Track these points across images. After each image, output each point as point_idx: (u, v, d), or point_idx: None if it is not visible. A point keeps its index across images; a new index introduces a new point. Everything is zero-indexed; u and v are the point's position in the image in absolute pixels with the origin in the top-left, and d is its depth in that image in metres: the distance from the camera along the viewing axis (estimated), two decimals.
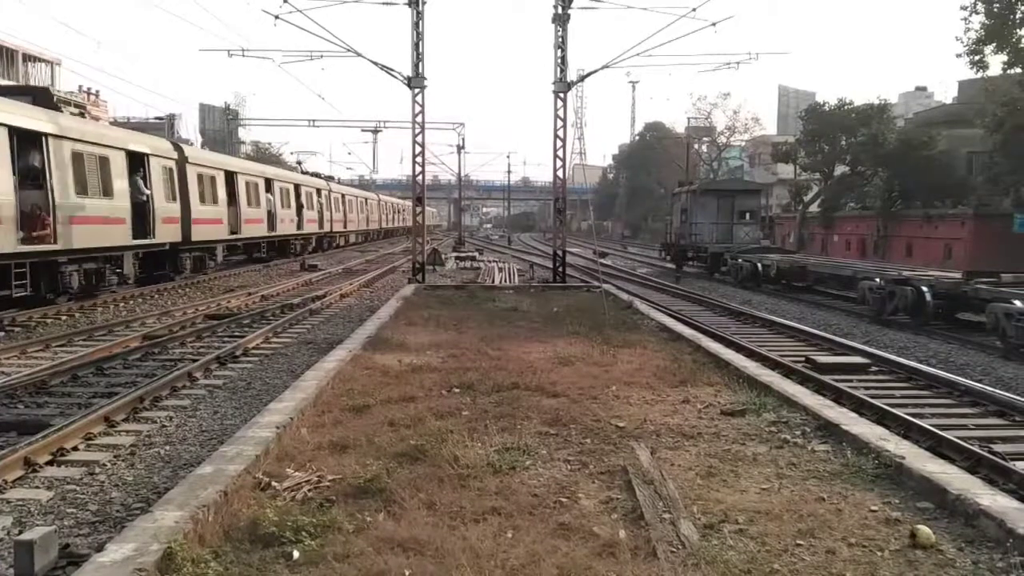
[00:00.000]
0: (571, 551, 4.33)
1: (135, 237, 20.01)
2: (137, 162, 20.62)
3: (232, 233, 28.30)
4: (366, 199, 58.84)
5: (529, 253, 47.25)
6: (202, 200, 25.09)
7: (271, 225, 32.96)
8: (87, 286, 18.20)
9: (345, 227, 49.33)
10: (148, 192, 20.93)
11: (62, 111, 18.32)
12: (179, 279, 23.64)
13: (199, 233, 24.52)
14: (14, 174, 15.07)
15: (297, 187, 38.05)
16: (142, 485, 6.45)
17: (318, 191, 42.30)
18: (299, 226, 37.77)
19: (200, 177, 25.21)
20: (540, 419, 7.08)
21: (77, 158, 17.36)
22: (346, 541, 4.41)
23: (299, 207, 37.63)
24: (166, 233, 22.00)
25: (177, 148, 24.80)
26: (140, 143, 21.34)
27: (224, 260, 29.01)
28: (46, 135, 16.21)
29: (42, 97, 18.38)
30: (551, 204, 28.18)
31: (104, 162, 18.60)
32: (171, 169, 22.82)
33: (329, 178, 50.28)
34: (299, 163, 58.54)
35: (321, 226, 42.53)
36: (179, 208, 23.13)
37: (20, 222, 15.18)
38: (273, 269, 30.75)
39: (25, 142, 15.72)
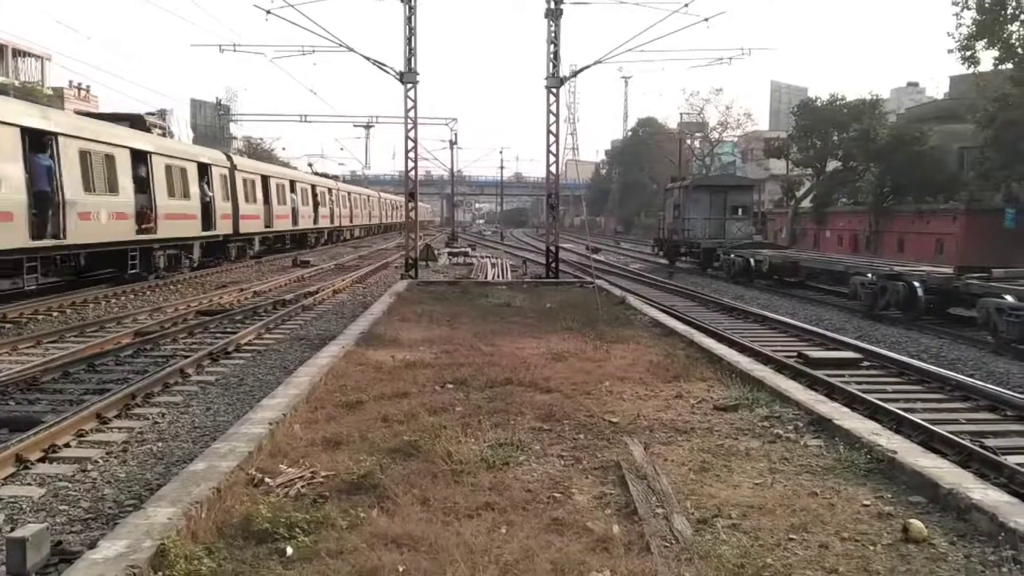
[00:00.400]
0: (565, 546, 4.33)
1: (203, 230, 25.76)
2: (203, 170, 26.25)
3: (266, 227, 33.82)
4: (368, 196, 62.77)
5: (522, 249, 47.24)
6: (246, 200, 30.56)
7: (294, 220, 38.48)
8: (168, 267, 23.55)
9: (352, 222, 54.07)
10: (211, 194, 26.49)
11: (151, 132, 23.60)
12: (225, 264, 28.83)
13: (244, 227, 30.17)
14: (133, 183, 20.65)
15: (313, 187, 43.16)
16: (135, 482, 6.43)
17: (329, 190, 46.92)
18: (315, 221, 42.74)
19: (244, 181, 30.74)
20: (533, 415, 7.08)
21: (168, 169, 22.96)
22: (340, 537, 4.41)
23: (315, 204, 42.76)
24: (223, 227, 27.73)
25: (228, 158, 30.46)
26: (206, 156, 27.43)
27: (259, 250, 33.50)
28: (150, 153, 21.82)
29: (138, 123, 23.30)
30: (544, 200, 28.12)
31: (184, 171, 24.27)
32: (225, 175, 28.46)
33: (335, 178, 55.13)
34: (310, 165, 64.48)
35: (332, 221, 46.99)
36: (231, 207, 28.73)
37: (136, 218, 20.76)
38: (265, 265, 30.65)
39: (136, 159, 21.01)
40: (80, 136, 18.20)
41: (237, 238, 29.75)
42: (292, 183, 38.75)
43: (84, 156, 18.16)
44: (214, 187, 26.76)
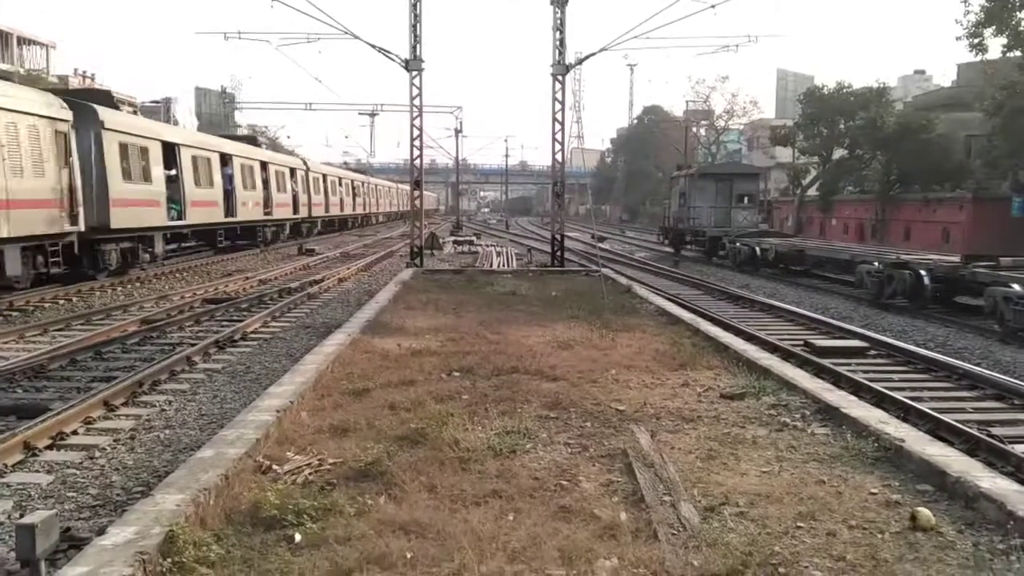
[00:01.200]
0: (572, 533, 4.34)
1: (292, 213, 36.77)
2: (292, 172, 36.99)
3: (325, 212, 43.75)
4: (388, 187, 70.36)
5: (527, 237, 47.18)
6: (315, 192, 40.98)
7: (342, 208, 47.99)
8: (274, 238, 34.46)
9: (378, 209, 63.73)
10: (297, 189, 37.10)
11: (260, 145, 36.62)
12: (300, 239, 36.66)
13: (314, 212, 40.59)
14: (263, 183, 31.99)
15: (343, 180, 50.42)
16: (142, 469, 6.46)
17: (360, 183, 55.04)
18: (340, 209, 48.63)
19: (313, 180, 40.81)
20: (540, 402, 7.08)
21: (279, 174, 35.01)
22: (347, 524, 4.42)
23: (349, 194, 50.78)
24: (303, 212, 38.50)
25: (305, 162, 41.44)
26: (295, 163, 39.49)
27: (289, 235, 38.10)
28: (267, 163, 33.26)
29: (251, 141, 36.51)
30: (549, 188, 28.08)
31: (284, 174, 35.69)
32: (303, 176, 39.18)
33: (358, 171, 64.32)
34: (345, 163, 70.16)
35: (354, 209, 53.40)
36: (307, 198, 39.24)
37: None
38: (271, 253, 30.69)
39: (263, 169, 32.37)
40: (274, 162, 35.15)
41: (308, 220, 39.76)
42: (324, 176, 45.05)
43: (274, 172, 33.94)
44: (270, 182, 33.50)
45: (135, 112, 24.83)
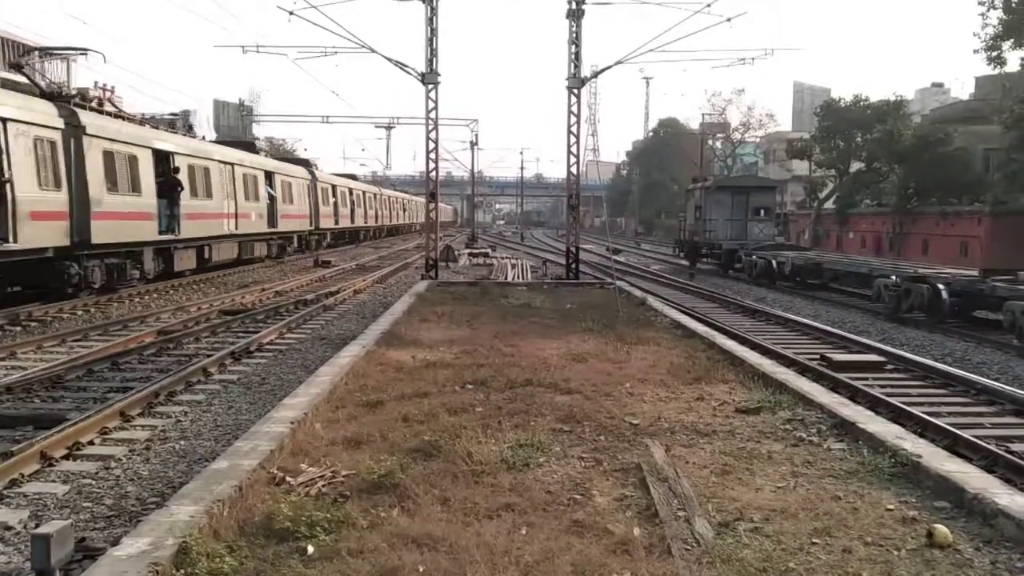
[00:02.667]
0: (585, 548, 4.32)
1: (310, 225, 38.49)
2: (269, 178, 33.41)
3: (336, 224, 44.58)
4: (408, 199, 73.32)
5: (542, 250, 47.21)
6: (343, 206, 45.01)
7: (352, 220, 48.45)
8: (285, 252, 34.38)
9: (395, 221, 66.36)
10: (309, 200, 38.46)
11: (259, 152, 35.48)
12: (307, 253, 37.49)
13: (322, 224, 41.02)
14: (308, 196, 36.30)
15: (373, 195, 56.07)
16: (157, 480, 6.49)
17: (376, 195, 58.44)
18: (365, 220, 52.52)
19: (324, 189, 41.71)
20: (554, 416, 7.07)
21: (324, 190, 41.56)
22: (360, 536, 4.41)
23: (378, 207, 56.60)
24: (324, 224, 41.01)
25: (354, 178, 51.89)
26: (269, 164, 34.60)
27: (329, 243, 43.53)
28: (270, 173, 32.29)
29: (305, 164, 41.21)
30: (564, 200, 28.09)
31: (293, 185, 35.06)
32: (346, 193, 45.61)
33: (373, 183, 66.89)
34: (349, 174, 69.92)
35: (378, 221, 57.74)
36: (349, 211, 45.95)
37: (270, 219, 30.91)
38: (287, 265, 30.85)
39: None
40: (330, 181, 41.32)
41: (319, 232, 41.06)
42: (350, 191, 48.56)
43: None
44: (318, 196, 39.30)
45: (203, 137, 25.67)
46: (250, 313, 16.02)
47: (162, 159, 21.51)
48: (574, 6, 22.08)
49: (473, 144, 55.74)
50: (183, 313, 16.24)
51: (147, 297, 19.05)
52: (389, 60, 22.76)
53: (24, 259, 15.33)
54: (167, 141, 22.31)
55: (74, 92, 20.24)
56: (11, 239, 14.62)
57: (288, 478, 5.32)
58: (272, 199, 30.92)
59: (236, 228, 26.75)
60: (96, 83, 54.69)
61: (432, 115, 22.75)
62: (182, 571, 3.88)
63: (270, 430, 6.15)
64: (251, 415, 8.41)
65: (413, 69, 22.48)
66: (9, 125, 14.67)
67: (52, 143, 16.15)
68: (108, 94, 22.20)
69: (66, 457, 6.96)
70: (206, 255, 24.61)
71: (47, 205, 15.82)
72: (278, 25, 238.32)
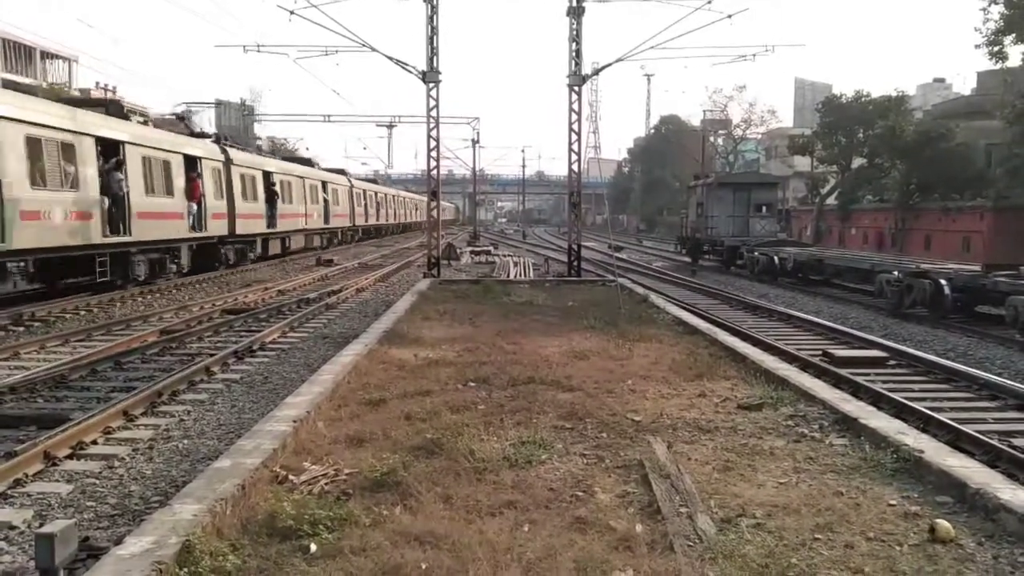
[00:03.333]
0: (588, 545, 4.33)
1: (350, 223, 45.63)
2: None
3: (366, 222, 51.54)
4: (411, 198, 75.58)
5: (544, 247, 47.19)
6: (357, 205, 48.17)
7: (377, 218, 56.36)
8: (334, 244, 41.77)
9: (407, 219, 70.41)
10: (350, 203, 45.64)
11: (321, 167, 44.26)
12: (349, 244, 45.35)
13: (357, 221, 47.95)
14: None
15: (389, 195, 62.95)
16: (160, 479, 6.50)
17: (394, 196, 65.66)
18: (386, 219, 59.86)
19: (357, 193, 48.13)
20: (556, 413, 7.08)
21: (364, 194, 50.38)
22: (363, 534, 4.43)
23: (397, 208, 63.81)
24: (358, 221, 48.01)
25: (374, 181, 59.85)
26: (365, 185, 49.96)
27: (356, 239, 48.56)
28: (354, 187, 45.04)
29: (342, 173, 46.78)
30: (566, 198, 28.08)
31: (339, 191, 43.13)
32: (360, 193, 49.02)
33: (373, 181, 66.20)
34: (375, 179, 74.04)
35: (387, 220, 61.56)
36: (363, 210, 50.00)
37: (325, 218, 39.25)
38: (289, 264, 30.86)
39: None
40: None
41: (353, 228, 47.28)
42: (375, 192, 55.59)
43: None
44: (354, 199, 45.74)
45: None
46: (253, 312, 16.04)
47: (267, 177, 30.10)
48: (574, 3, 22.09)
49: (475, 142, 55.84)
50: (186, 312, 16.25)
51: (149, 297, 19.07)
52: (390, 59, 22.78)
53: (208, 243, 24.60)
54: (269, 165, 31.62)
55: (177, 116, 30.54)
56: (203, 230, 23.52)
57: (291, 476, 5.33)
58: (326, 202, 39.53)
59: (306, 224, 35.93)
60: (97, 83, 54.65)
61: (433, 113, 22.77)
62: (185, 570, 3.89)
63: (273, 429, 6.16)
64: (254, 414, 8.42)
65: (414, 68, 22.50)
66: (204, 163, 23.95)
67: (218, 171, 25.30)
68: (110, 94, 22.69)
69: (70, 457, 6.97)
70: (287, 244, 33.52)
71: (220, 209, 25.10)
72: (279, 24, 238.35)
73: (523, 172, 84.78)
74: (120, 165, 18.81)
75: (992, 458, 7.09)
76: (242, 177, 27.03)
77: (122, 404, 8.26)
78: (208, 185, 24.07)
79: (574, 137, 23.04)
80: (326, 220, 39.57)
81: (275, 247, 31.69)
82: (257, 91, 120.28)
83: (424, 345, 10.62)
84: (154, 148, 20.57)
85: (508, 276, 25.48)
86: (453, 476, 5.36)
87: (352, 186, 47.66)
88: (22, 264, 15.43)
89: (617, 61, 24.37)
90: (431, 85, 22.48)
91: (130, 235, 19.10)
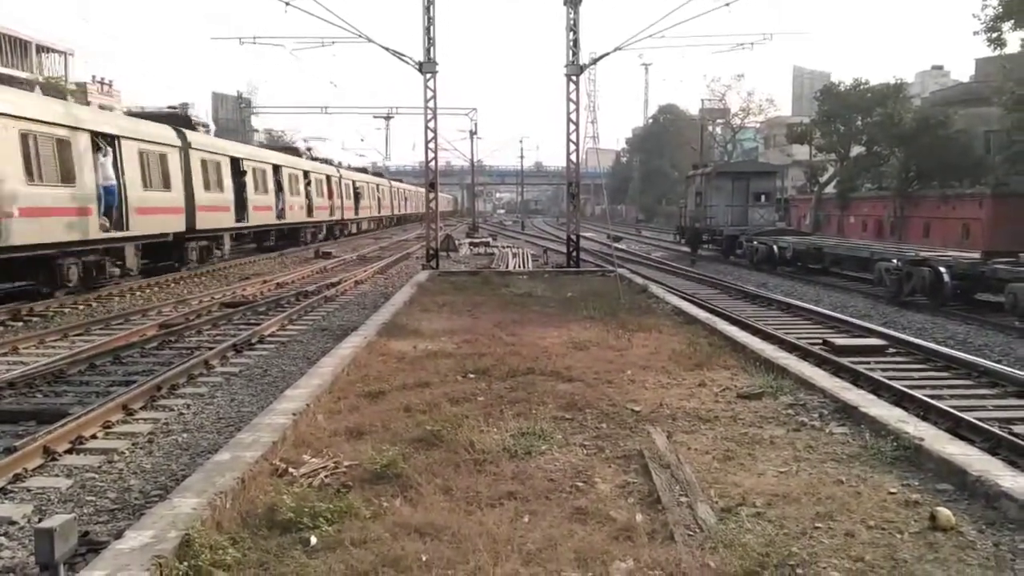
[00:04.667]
0: (588, 535, 4.33)
1: (378, 212, 56.04)
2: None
3: (379, 213, 57.41)
4: (415, 191, 76.28)
5: (542, 238, 47.16)
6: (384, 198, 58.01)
7: (391, 209, 62.95)
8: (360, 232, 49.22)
9: (406, 211, 72.35)
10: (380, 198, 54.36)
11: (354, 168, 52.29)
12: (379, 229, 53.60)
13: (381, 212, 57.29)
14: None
15: (397, 189, 67.11)
16: (160, 472, 6.50)
17: (397, 189, 68.47)
18: (396, 210, 65.51)
19: (384, 188, 57.59)
20: (555, 404, 7.07)
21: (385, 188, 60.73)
22: (363, 526, 4.42)
23: (394, 200, 65.15)
24: (383, 212, 57.39)
25: (381, 175, 64.58)
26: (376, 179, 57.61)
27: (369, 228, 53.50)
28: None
29: (380, 175, 64.60)
30: (564, 189, 28.03)
31: (377, 189, 54.50)
32: (373, 188, 55.47)
33: (377, 174, 69.61)
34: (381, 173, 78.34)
35: (393, 211, 65.35)
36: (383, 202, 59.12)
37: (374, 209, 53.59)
38: (288, 257, 30.82)
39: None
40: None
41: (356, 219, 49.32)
42: (383, 186, 60.26)
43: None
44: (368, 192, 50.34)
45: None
46: (251, 305, 16.02)
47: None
48: None
49: (472, 133, 55.71)
50: (184, 306, 16.24)
51: (148, 291, 19.04)
52: (387, 50, 22.70)
53: (288, 228, 32.98)
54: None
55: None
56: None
57: (291, 469, 5.33)
58: (308, 194, 37.87)
59: (381, 212, 51.87)
60: (93, 77, 54.52)
61: (431, 104, 22.72)
62: (185, 563, 3.88)
63: (272, 422, 6.16)
64: (253, 407, 8.42)
65: (411, 58, 22.43)
66: (312, 176, 35.54)
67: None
68: (107, 88, 22.58)
69: (69, 451, 6.97)
70: (352, 230, 46.27)
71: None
72: (275, 16, 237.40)
73: (521, 163, 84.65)
74: None
75: (992, 445, 7.09)
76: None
77: (121, 398, 8.25)
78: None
79: (572, 127, 22.98)
80: (375, 211, 46.74)
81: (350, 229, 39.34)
82: (254, 84, 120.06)
83: (423, 337, 10.61)
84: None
85: (507, 267, 25.46)
86: (453, 468, 5.36)
87: (379, 185, 52.10)
88: None
89: (615, 50, 24.27)
90: (428, 76, 22.41)
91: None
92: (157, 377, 9.27)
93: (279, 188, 32.26)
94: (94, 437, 7.39)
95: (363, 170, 60.92)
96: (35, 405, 8.48)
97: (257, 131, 79.71)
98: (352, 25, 30.92)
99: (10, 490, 6.06)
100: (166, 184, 20.97)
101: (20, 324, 13.95)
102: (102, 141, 17.98)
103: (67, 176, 16.33)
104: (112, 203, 18.14)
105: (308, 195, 36.64)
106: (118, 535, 4.32)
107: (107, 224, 17.88)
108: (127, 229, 18.70)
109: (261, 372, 10.38)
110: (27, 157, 15.05)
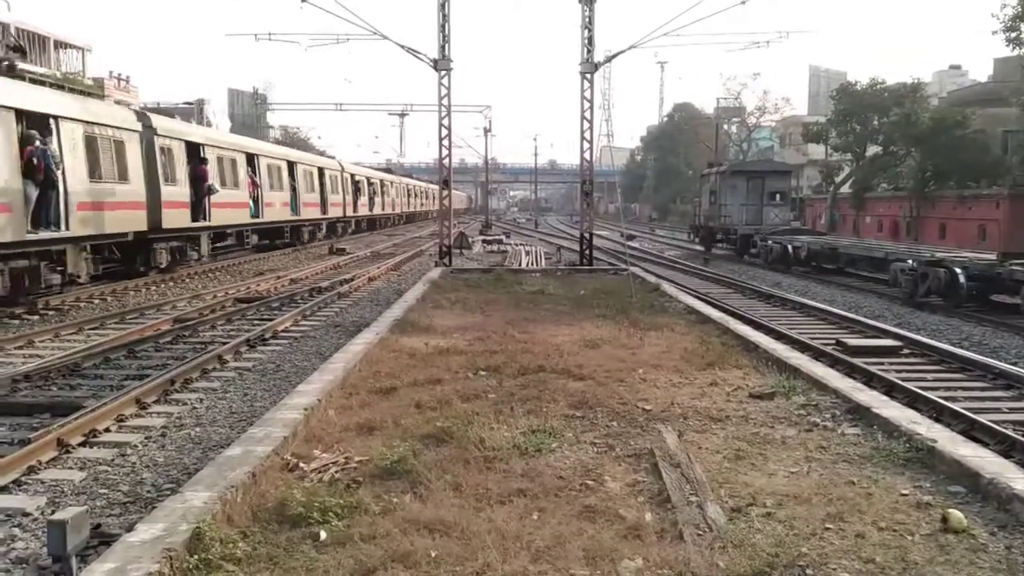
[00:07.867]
0: (597, 533, 4.32)
1: (408, 208, 63.91)
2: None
3: (404, 210, 62.10)
4: (429, 189, 77.11)
5: (556, 236, 47.10)
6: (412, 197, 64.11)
7: (413, 207, 66.67)
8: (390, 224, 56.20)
9: (420, 208, 72.83)
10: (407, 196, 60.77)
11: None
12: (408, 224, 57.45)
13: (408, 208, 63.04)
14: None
15: (417, 187, 70.50)
16: (172, 466, 6.53)
17: (415, 187, 71.03)
18: (415, 207, 68.23)
19: (411, 188, 61.87)
20: (566, 402, 7.07)
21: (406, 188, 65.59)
22: (373, 522, 4.44)
23: (409, 197, 66.57)
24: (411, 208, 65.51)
25: (389, 171, 66.30)
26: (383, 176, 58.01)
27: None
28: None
29: (408, 176, 73.17)
30: (578, 187, 27.99)
31: (405, 188, 63.86)
32: (412, 188, 66.26)
33: (387, 170, 71.17)
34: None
35: (411, 208, 67.40)
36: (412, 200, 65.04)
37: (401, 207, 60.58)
38: (302, 252, 30.92)
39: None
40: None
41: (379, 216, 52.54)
42: (408, 186, 64.33)
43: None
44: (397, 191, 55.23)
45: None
46: (265, 301, 16.08)
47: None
48: None
49: (486, 131, 55.75)
50: (199, 301, 16.31)
51: (163, 286, 19.15)
52: (401, 47, 22.74)
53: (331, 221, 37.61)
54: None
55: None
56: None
57: (301, 464, 5.35)
58: (294, 190, 35.98)
59: (393, 210, 52.87)
60: (111, 72, 54.86)
61: (445, 102, 22.71)
62: (195, 556, 3.90)
63: (284, 417, 6.18)
64: (265, 402, 8.44)
65: (425, 56, 22.43)
66: (361, 182, 42.78)
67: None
68: (124, 84, 22.45)
69: (83, 444, 7.02)
70: (365, 227, 47.31)
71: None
72: (290, 13, 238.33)
73: (535, 161, 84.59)
74: None
75: (1006, 448, 7.04)
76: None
77: (135, 392, 8.30)
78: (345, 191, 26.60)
79: (586, 125, 22.94)
80: (401, 208, 51.18)
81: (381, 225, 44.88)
82: (270, 80, 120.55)
83: (435, 334, 10.63)
84: None
85: (520, 265, 25.45)
86: (463, 464, 5.36)
87: (407, 184, 55.92)
88: None
89: (630, 48, 24.22)
90: (443, 73, 22.41)
91: None
92: (171, 371, 9.32)
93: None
94: (108, 430, 7.43)
95: (388, 170, 63.84)
96: (50, 398, 8.53)
97: (272, 127, 79.99)
98: (367, 22, 31.05)
99: (24, 482, 6.11)
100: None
101: (36, 318, 14.05)
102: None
103: (406, 195, 21.10)
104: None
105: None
106: (130, 528, 4.35)
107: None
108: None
109: (274, 367, 10.41)
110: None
